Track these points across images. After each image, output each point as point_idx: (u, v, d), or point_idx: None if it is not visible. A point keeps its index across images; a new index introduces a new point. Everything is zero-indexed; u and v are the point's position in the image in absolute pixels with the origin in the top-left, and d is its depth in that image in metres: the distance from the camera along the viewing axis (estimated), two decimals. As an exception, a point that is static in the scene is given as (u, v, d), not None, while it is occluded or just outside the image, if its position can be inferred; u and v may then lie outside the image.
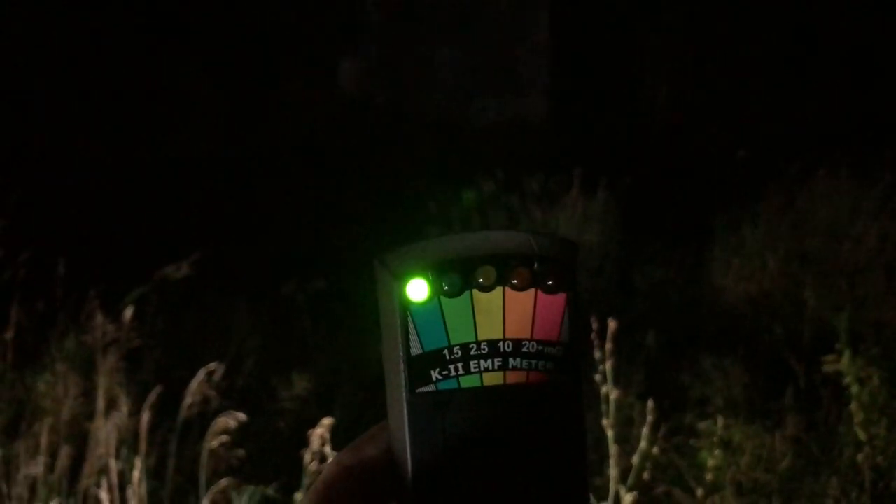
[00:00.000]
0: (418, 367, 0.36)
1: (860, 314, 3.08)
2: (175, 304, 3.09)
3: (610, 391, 1.61)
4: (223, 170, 5.03)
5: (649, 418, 1.61)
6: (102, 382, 2.21)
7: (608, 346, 1.59)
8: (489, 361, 0.36)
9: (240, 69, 5.85)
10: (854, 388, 2.08)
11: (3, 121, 4.77)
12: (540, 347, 0.36)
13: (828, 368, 2.24)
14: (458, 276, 0.36)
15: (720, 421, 2.04)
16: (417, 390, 0.36)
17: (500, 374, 0.36)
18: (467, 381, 0.36)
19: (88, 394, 2.29)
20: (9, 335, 2.45)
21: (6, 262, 2.78)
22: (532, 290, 0.36)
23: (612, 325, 1.58)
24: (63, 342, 2.56)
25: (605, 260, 3.84)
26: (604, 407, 1.65)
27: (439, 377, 0.36)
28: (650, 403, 1.63)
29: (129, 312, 2.38)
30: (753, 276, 3.63)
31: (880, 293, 3.32)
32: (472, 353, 0.36)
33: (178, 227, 3.96)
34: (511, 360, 0.36)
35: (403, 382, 0.36)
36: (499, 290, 0.36)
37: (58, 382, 2.32)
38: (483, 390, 0.36)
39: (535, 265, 0.36)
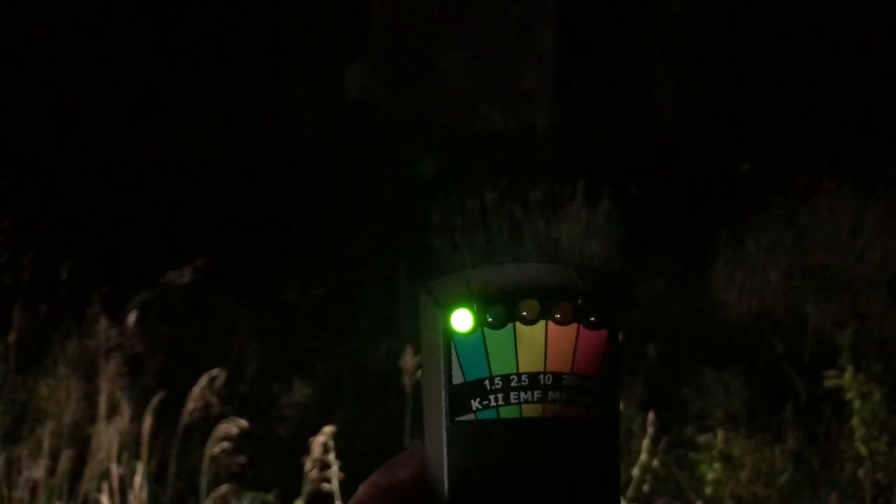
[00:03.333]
0: (459, 396, 0.37)
1: (862, 329, 3.08)
2: (178, 310, 3.09)
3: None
4: (227, 176, 5.04)
5: (650, 430, 1.61)
6: (104, 387, 2.22)
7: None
8: (529, 393, 0.37)
9: (246, 76, 5.87)
10: (856, 404, 2.08)
11: (8, 124, 4.79)
12: (580, 382, 0.37)
13: (829, 384, 2.24)
14: (502, 309, 0.36)
15: (720, 434, 2.04)
16: (457, 419, 0.36)
17: (540, 406, 0.37)
18: (506, 412, 0.37)
19: (90, 398, 2.29)
20: (11, 338, 2.46)
21: (9, 264, 2.79)
22: (574, 325, 0.37)
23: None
24: (66, 346, 2.57)
25: (606, 271, 3.84)
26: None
27: (479, 407, 0.36)
28: (651, 416, 1.63)
29: (132, 317, 2.38)
30: (756, 290, 3.63)
31: (883, 309, 3.32)
32: (513, 384, 0.36)
33: (182, 233, 3.97)
34: (551, 393, 0.37)
35: (444, 410, 0.36)
36: (542, 323, 0.36)
37: (60, 386, 2.33)
38: (522, 422, 0.36)
39: (579, 301, 0.36)
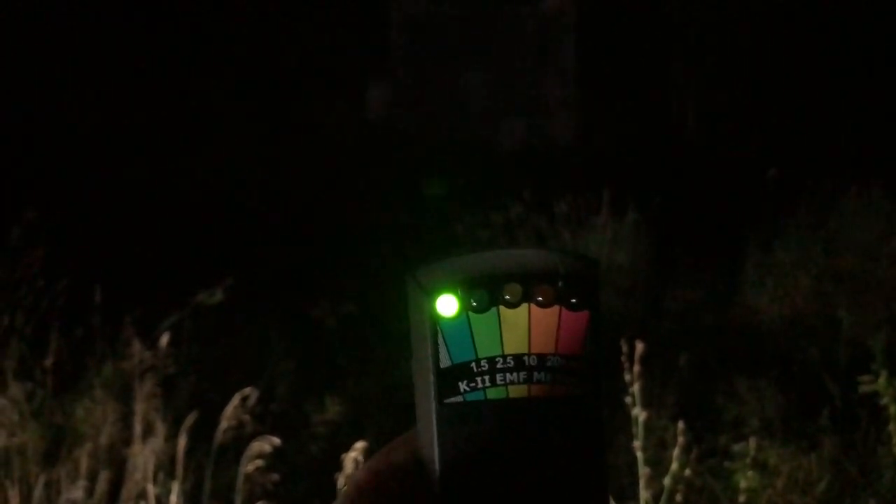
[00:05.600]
0: (447, 379, 0.38)
1: (896, 333, 3.04)
2: (209, 330, 3.13)
3: (639, 413, 1.60)
4: (254, 196, 5.09)
5: (680, 440, 1.60)
6: (139, 408, 2.25)
7: (636, 368, 1.59)
8: (515, 374, 0.38)
9: (270, 96, 5.94)
10: (892, 409, 2.05)
11: (40, 151, 4.88)
12: (563, 362, 0.38)
13: (864, 389, 2.21)
14: (485, 293, 0.37)
15: (752, 442, 2.02)
16: (446, 401, 0.37)
17: (525, 386, 0.38)
18: (493, 393, 0.38)
19: (126, 419, 2.32)
20: (48, 362, 2.50)
21: (45, 290, 2.84)
22: (556, 307, 0.38)
23: (639, 346, 1.58)
24: (101, 369, 2.60)
25: (635, 281, 3.83)
26: (634, 429, 1.65)
27: (467, 388, 0.38)
28: (681, 425, 1.63)
29: (164, 339, 2.42)
30: (787, 296, 3.59)
31: (917, 312, 3.27)
32: (499, 366, 0.38)
33: (211, 254, 4.02)
34: (535, 373, 0.38)
35: (433, 393, 0.38)
36: (524, 306, 0.38)
37: (96, 408, 2.36)
38: (508, 402, 0.38)
39: (560, 283, 0.38)
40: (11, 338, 2.66)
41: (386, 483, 0.38)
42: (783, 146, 5.48)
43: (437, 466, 0.37)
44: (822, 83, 5.86)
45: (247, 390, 2.15)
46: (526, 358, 0.38)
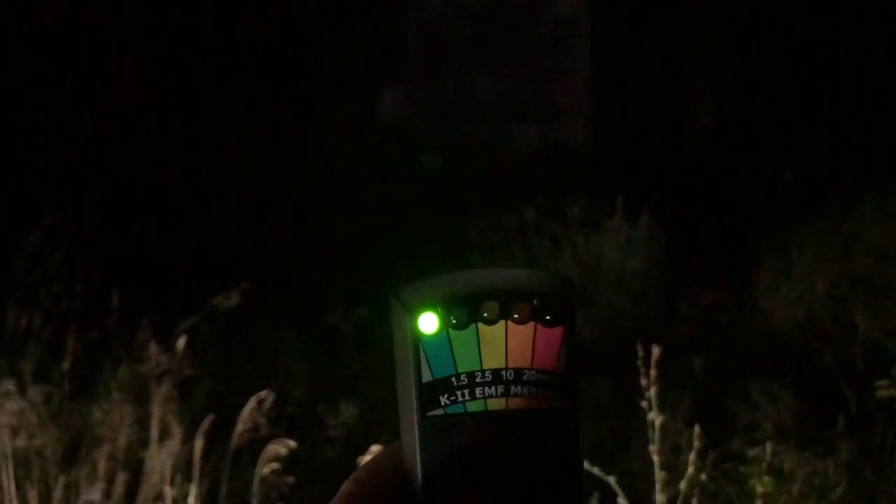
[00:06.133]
0: (429, 393, 0.39)
1: (913, 338, 3.02)
2: (225, 333, 3.14)
3: (655, 417, 1.60)
4: (269, 200, 5.12)
5: (696, 444, 1.60)
6: (156, 411, 2.26)
7: (652, 372, 1.59)
8: (493, 388, 0.39)
9: (282, 100, 5.97)
10: (909, 414, 2.04)
11: (54, 157, 4.93)
12: (539, 376, 0.39)
13: (882, 394, 2.20)
14: (465, 311, 0.39)
15: (768, 447, 2.02)
16: (428, 413, 0.39)
17: (503, 399, 0.39)
18: (473, 406, 0.39)
19: (143, 422, 2.34)
20: (66, 366, 2.52)
21: (62, 294, 2.86)
22: (532, 324, 0.39)
23: (655, 351, 1.58)
24: (118, 372, 2.63)
25: (649, 285, 3.82)
26: (650, 433, 1.65)
27: (448, 402, 0.39)
28: (696, 429, 1.62)
29: (181, 342, 2.43)
30: (802, 299, 3.58)
31: (934, 316, 3.25)
32: (478, 380, 0.39)
33: (228, 258, 4.04)
34: (513, 387, 0.39)
35: (415, 406, 0.39)
36: (502, 323, 0.39)
37: (113, 411, 2.38)
38: (487, 414, 0.39)
39: (535, 301, 0.39)
40: (30, 341, 2.69)
41: (371, 494, 0.39)
42: (799, 149, 5.45)
43: (419, 477, 0.39)
44: (838, 87, 5.83)
45: (262, 393, 2.17)
46: (504, 372, 0.39)
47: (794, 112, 5.87)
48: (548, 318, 0.39)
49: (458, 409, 0.39)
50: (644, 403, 1.66)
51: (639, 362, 1.69)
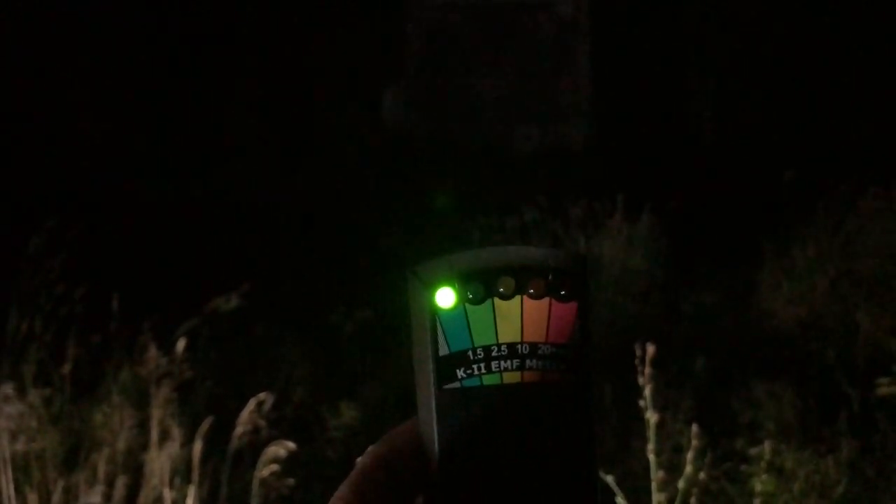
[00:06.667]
0: (445, 366, 0.40)
1: (915, 335, 3.01)
2: (225, 336, 3.15)
3: (651, 416, 1.60)
4: (269, 202, 5.12)
5: (694, 443, 1.59)
6: (156, 414, 2.26)
7: (647, 370, 1.59)
8: (509, 362, 0.40)
9: (285, 104, 5.98)
10: (910, 411, 2.03)
11: (59, 160, 4.94)
12: (553, 350, 0.40)
13: (883, 391, 2.19)
14: (481, 286, 0.40)
15: (767, 446, 2.01)
16: (444, 387, 0.40)
17: (519, 373, 0.40)
18: (489, 379, 0.40)
19: (143, 425, 2.34)
20: (66, 369, 2.52)
21: (64, 297, 2.87)
22: (547, 299, 0.40)
23: (650, 350, 1.58)
24: (118, 375, 2.63)
25: (650, 285, 3.81)
26: (648, 432, 1.64)
27: (464, 375, 0.40)
28: (695, 428, 1.62)
29: (181, 345, 2.43)
30: (804, 298, 3.57)
31: (936, 314, 3.24)
32: (494, 354, 0.40)
33: (228, 260, 4.05)
34: (528, 360, 0.40)
35: (432, 380, 0.40)
36: (517, 298, 0.40)
37: (113, 414, 2.39)
38: (503, 387, 0.40)
39: (550, 276, 0.40)
40: (31, 344, 2.69)
41: (388, 467, 0.40)
42: (800, 148, 5.44)
43: (436, 448, 0.39)
44: (839, 85, 5.82)
45: (262, 395, 2.17)
46: (519, 346, 0.40)
47: (795, 111, 5.85)
48: (562, 293, 0.40)
49: (475, 381, 0.40)
50: (642, 402, 1.65)
51: (636, 361, 1.68)
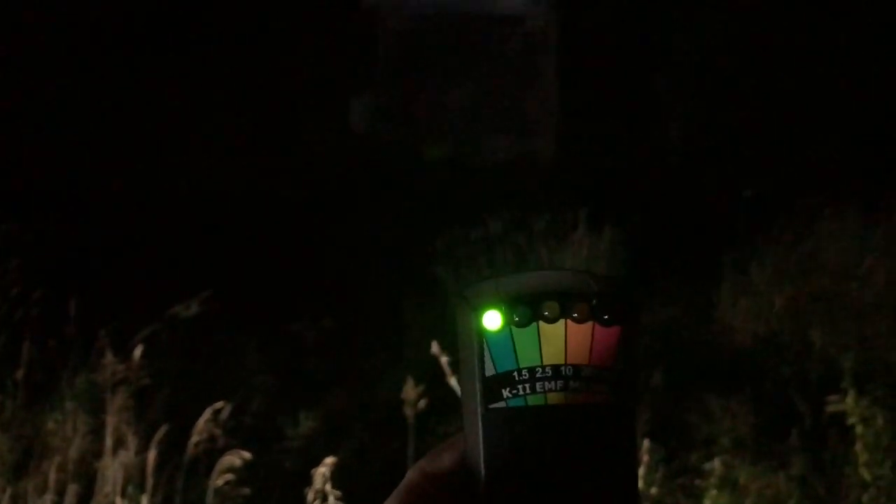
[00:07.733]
0: (492, 386, 0.41)
1: (867, 354, 3.07)
2: (185, 343, 3.11)
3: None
4: (233, 208, 5.09)
5: (645, 458, 1.61)
6: (111, 421, 2.23)
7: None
8: (553, 383, 0.41)
9: (252, 109, 5.94)
10: (858, 429, 2.08)
11: (16, 160, 4.86)
12: (597, 373, 0.41)
13: (832, 408, 2.24)
14: (527, 309, 0.41)
15: (718, 462, 2.04)
16: (490, 406, 0.41)
17: (562, 394, 0.41)
18: (533, 400, 0.41)
19: (97, 432, 2.31)
20: (20, 374, 2.48)
21: (19, 300, 2.82)
22: (591, 323, 0.41)
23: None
24: (73, 380, 2.59)
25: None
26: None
27: (510, 395, 0.41)
28: (646, 443, 1.64)
29: (138, 351, 2.41)
30: (761, 315, 3.63)
31: (887, 333, 3.32)
32: (538, 375, 0.41)
33: (188, 266, 4.01)
34: (571, 382, 0.41)
35: (478, 399, 0.41)
36: (562, 321, 0.41)
37: (67, 421, 2.35)
38: (547, 408, 0.41)
39: (594, 301, 0.41)
40: (-17, 348, 2.64)
41: (435, 484, 0.41)
42: (760, 166, 5.54)
43: (482, 466, 0.41)
44: (799, 105, 5.94)
45: (219, 404, 2.15)
46: (563, 368, 0.41)
47: (756, 128, 5.96)
48: (605, 317, 0.41)
49: (520, 402, 0.41)
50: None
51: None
